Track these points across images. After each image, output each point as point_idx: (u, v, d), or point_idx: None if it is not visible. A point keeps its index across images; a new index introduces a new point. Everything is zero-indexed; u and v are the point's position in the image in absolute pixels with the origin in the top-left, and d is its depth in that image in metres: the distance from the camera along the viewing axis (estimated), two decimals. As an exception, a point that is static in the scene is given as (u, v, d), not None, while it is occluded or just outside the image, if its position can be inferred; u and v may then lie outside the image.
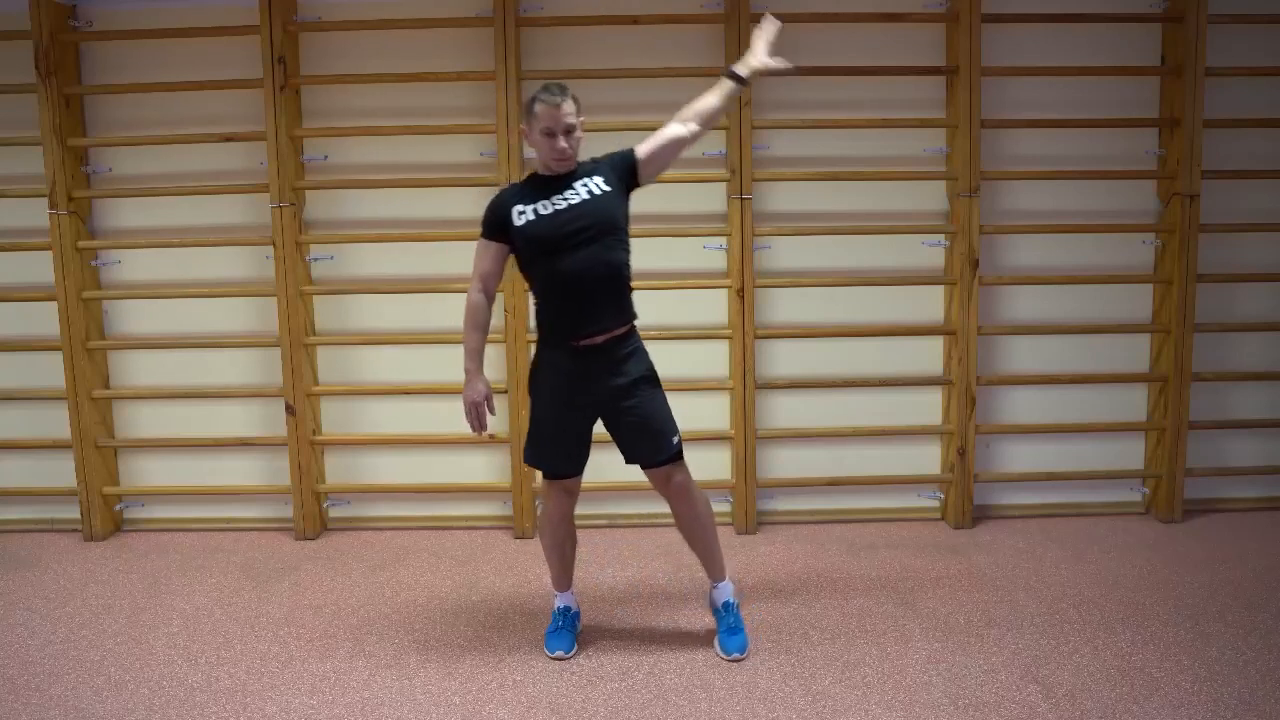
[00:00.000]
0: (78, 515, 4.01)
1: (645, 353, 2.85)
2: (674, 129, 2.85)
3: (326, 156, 3.91)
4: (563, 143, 2.68)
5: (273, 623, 3.19)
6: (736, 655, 2.86)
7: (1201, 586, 3.33)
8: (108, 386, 4.07)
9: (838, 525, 3.99)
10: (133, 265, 4.01)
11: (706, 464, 3.89)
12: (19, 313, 4.03)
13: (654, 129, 3.51)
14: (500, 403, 3.97)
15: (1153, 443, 4.05)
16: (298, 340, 3.88)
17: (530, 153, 3.83)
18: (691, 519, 2.92)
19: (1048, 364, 4.02)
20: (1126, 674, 2.74)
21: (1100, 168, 3.89)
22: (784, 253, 3.93)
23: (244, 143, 3.85)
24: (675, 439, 2.84)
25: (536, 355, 2.89)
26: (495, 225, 2.78)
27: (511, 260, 2.84)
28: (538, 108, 2.68)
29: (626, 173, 2.80)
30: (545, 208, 2.72)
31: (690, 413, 3.83)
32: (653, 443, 2.82)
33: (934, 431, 4.03)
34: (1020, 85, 3.87)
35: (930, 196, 3.94)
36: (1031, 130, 3.88)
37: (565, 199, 2.72)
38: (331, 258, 3.96)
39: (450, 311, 3.97)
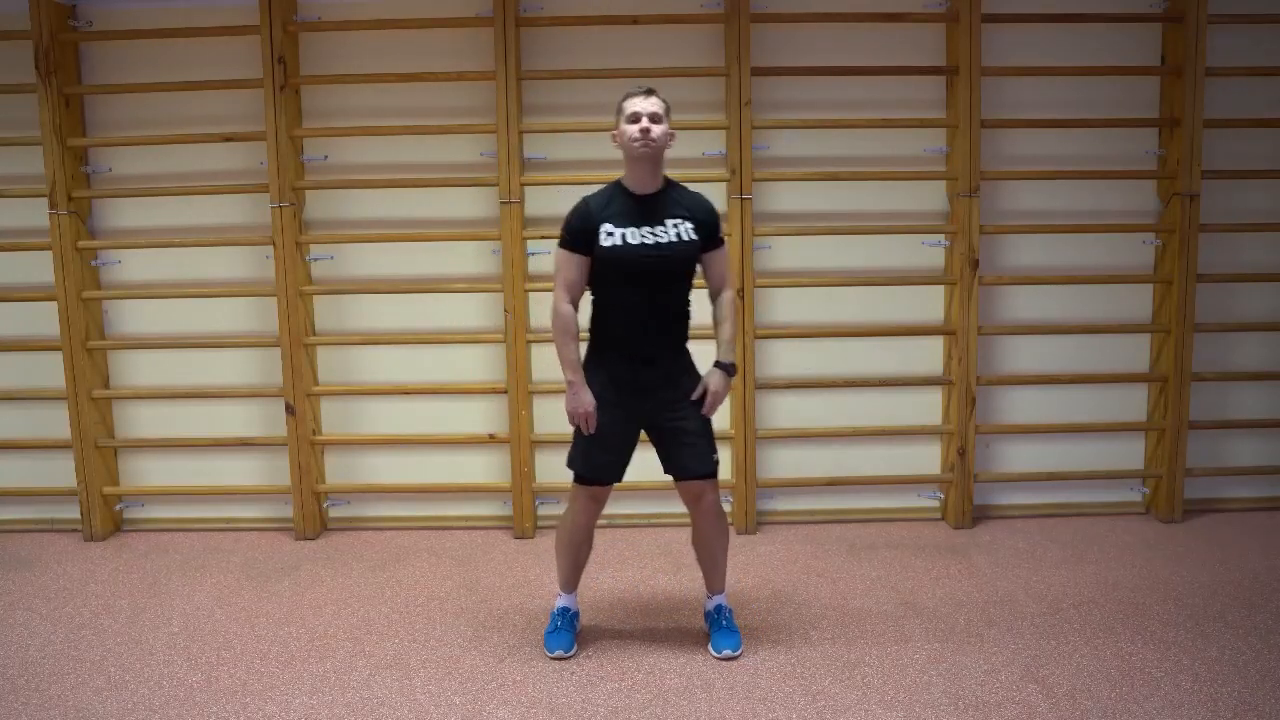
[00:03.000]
0: (78, 515, 4.01)
1: (697, 372, 2.89)
2: (724, 290, 2.89)
3: (326, 156, 3.91)
4: (646, 122, 2.71)
5: (273, 623, 3.18)
6: (729, 652, 2.86)
7: (1201, 586, 3.33)
8: (108, 386, 4.07)
9: (838, 525, 3.99)
10: (133, 265, 4.01)
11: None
12: (19, 313, 4.02)
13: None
14: (499, 404, 3.97)
15: (1153, 443, 4.05)
16: (298, 340, 3.88)
17: (532, 153, 3.84)
18: (712, 537, 2.95)
19: (1048, 364, 4.02)
20: (1126, 674, 2.74)
21: (1100, 168, 3.89)
22: (784, 253, 3.93)
23: (244, 143, 3.85)
24: (714, 456, 2.87)
25: (587, 360, 2.86)
26: (581, 239, 2.76)
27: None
28: (624, 101, 2.78)
29: (704, 238, 2.82)
30: (634, 237, 2.74)
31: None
32: (692, 455, 2.84)
33: (934, 431, 4.03)
34: (1020, 85, 3.87)
35: (930, 196, 3.94)
36: (1031, 130, 3.88)
37: (655, 235, 2.74)
38: (331, 258, 3.96)
39: (450, 311, 3.99)
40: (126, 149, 3.94)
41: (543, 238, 3.85)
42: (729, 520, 3.91)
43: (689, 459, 2.84)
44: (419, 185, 3.87)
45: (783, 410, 4.03)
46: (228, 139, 3.85)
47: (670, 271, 2.78)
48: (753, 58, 3.72)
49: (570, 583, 3.04)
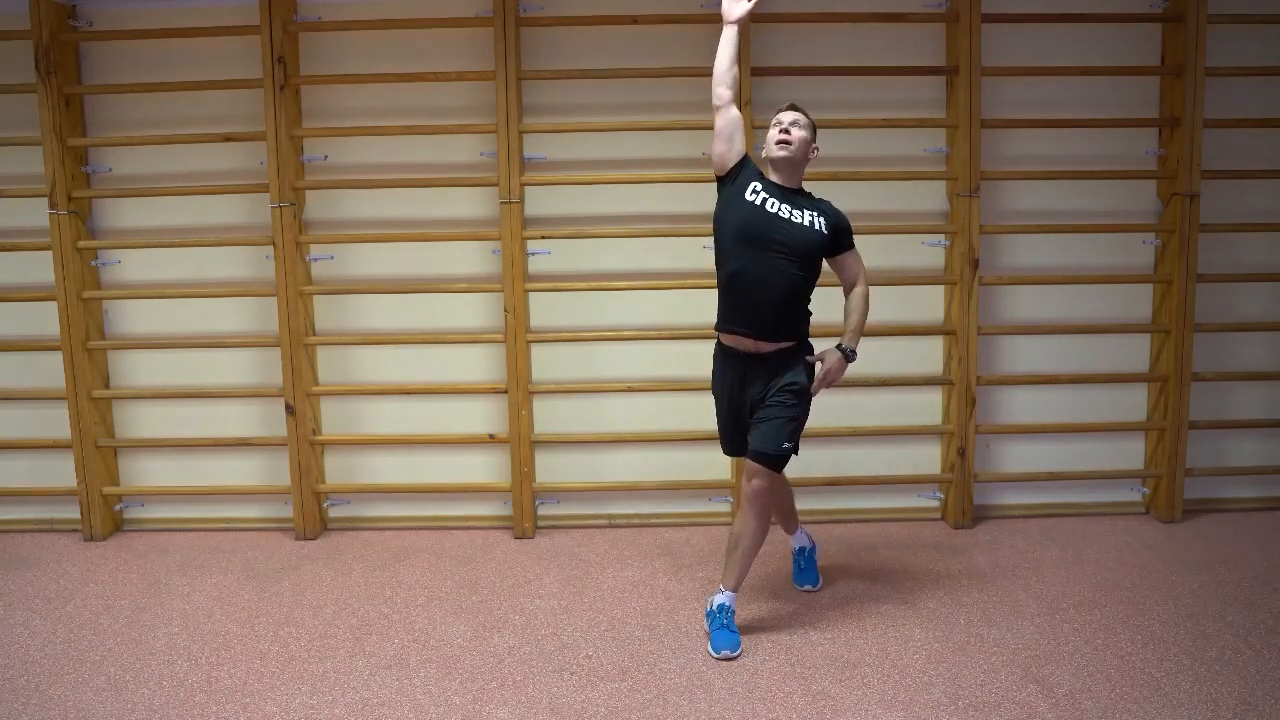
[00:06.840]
0: (78, 515, 4.01)
1: (803, 370, 2.98)
2: (856, 286, 3.07)
3: (326, 156, 3.91)
4: (786, 125, 2.94)
5: (273, 623, 3.19)
6: (728, 653, 2.87)
7: (1201, 586, 3.33)
8: (108, 386, 4.07)
9: (838, 525, 3.99)
10: (133, 265, 4.01)
11: (708, 464, 3.90)
12: (19, 313, 4.02)
13: (653, 129, 3.49)
14: (499, 404, 3.97)
15: (1153, 443, 4.05)
16: (298, 340, 3.88)
17: (532, 153, 3.84)
18: (739, 526, 2.99)
19: (1048, 364, 4.02)
20: (1126, 674, 2.74)
21: (1100, 168, 3.89)
22: (784, 253, 3.93)
23: (244, 143, 3.85)
24: (784, 445, 2.92)
25: (714, 353, 3.10)
26: (739, 160, 2.98)
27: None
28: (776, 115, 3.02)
29: (834, 242, 2.99)
30: (771, 205, 2.92)
31: (692, 413, 3.84)
32: (761, 436, 2.93)
33: (934, 431, 4.03)
34: (1020, 85, 3.87)
35: (930, 196, 3.94)
36: (1031, 130, 3.88)
37: (789, 213, 2.92)
38: (331, 258, 3.96)
39: (450, 311, 3.99)
40: (126, 149, 3.93)
41: (543, 238, 3.85)
42: (730, 519, 3.92)
43: (754, 436, 2.95)
44: (419, 185, 3.87)
45: (783, 410, 4.02)
46: (228, 139, 3.85)
47: (791, 245, 2.88)
48: (752, 58, 3.73)
49: (791, 526, 3.41)
